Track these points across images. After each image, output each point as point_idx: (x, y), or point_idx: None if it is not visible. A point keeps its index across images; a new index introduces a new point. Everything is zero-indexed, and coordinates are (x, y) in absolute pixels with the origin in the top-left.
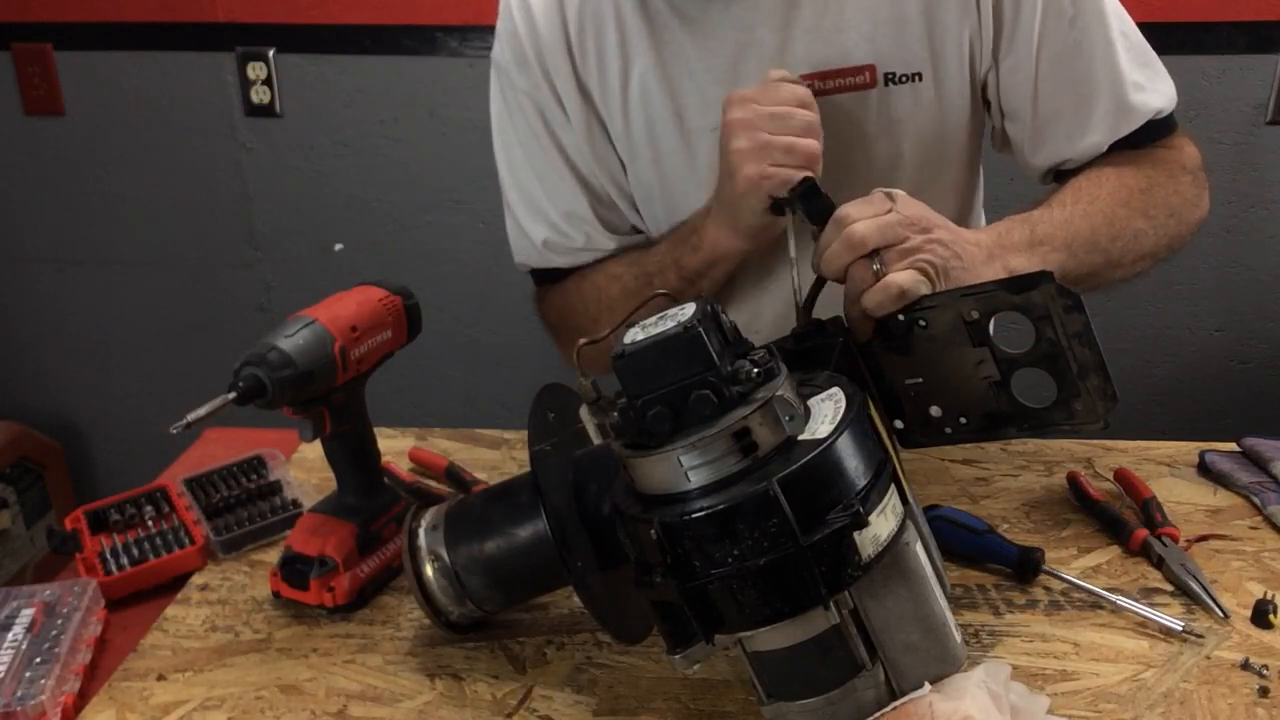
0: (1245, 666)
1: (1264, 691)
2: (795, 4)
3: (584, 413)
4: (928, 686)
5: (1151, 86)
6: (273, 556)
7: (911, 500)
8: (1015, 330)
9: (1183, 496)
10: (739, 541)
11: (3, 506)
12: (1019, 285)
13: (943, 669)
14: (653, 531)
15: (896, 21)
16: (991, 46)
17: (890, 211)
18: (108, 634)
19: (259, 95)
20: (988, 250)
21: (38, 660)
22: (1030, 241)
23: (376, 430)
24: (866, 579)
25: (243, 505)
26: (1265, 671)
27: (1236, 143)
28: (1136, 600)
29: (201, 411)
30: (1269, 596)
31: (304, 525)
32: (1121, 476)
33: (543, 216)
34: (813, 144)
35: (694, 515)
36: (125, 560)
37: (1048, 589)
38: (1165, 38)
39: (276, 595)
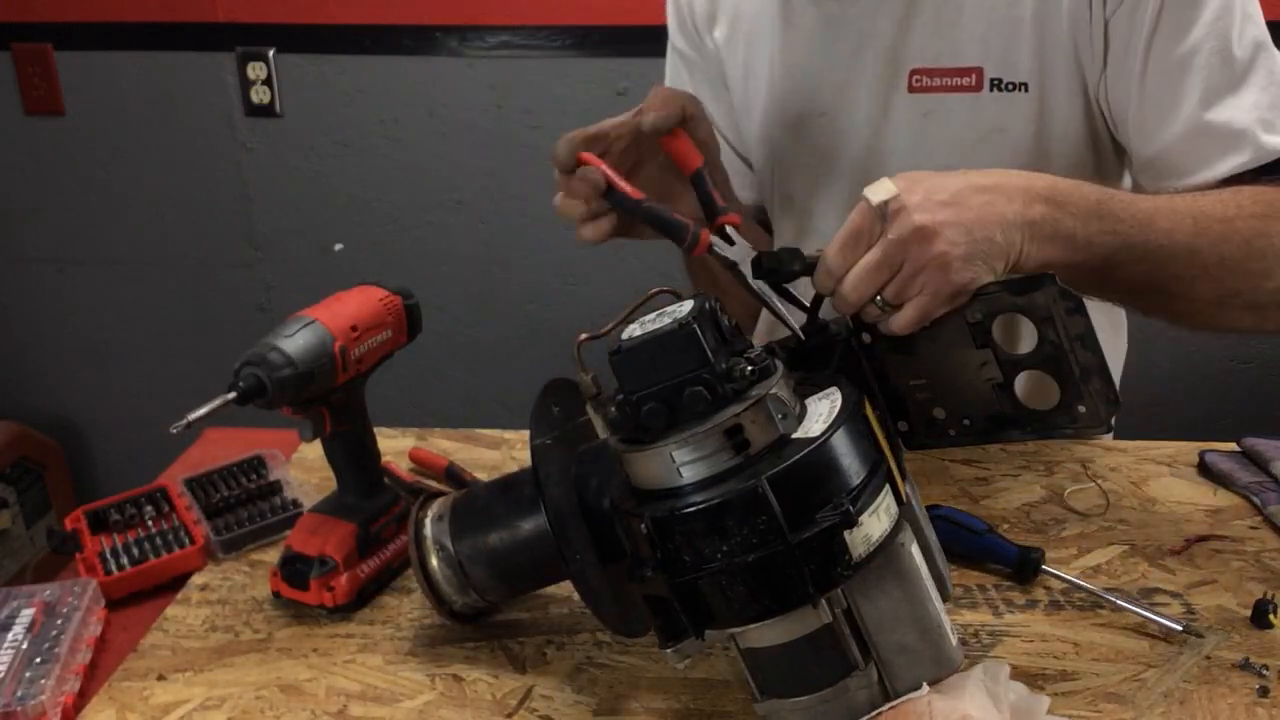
0: (1245, 666)
1: (1264, 691)
2: None
3: (590, 407)
4: (926, 687)
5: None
6: (273, 556)
7: (915, 503)
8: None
9: (1183, 496)
10: (728, 538)
11: (3, 506)
12: (1022, 287)
13: (937, 671)
14: (644, 526)
15: (1010, 23)
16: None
17: (879, 239)
18: (108, 634)
19: (259, 95)
20: (1011, 224)
21: (38, 660)
22: (1057, 224)
23: (376, 430)
24: (859, 578)
25: (243, 505)
26: (1265, 671)
27: None
28: (1136, 600)
29: (201, 411)
30: (1269, 596)
31: (304, 525)
32: None
33: None
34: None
35: (684, 510)
36: (125, 560)
37: (1048, 589)
38: None
39: (276, 595)
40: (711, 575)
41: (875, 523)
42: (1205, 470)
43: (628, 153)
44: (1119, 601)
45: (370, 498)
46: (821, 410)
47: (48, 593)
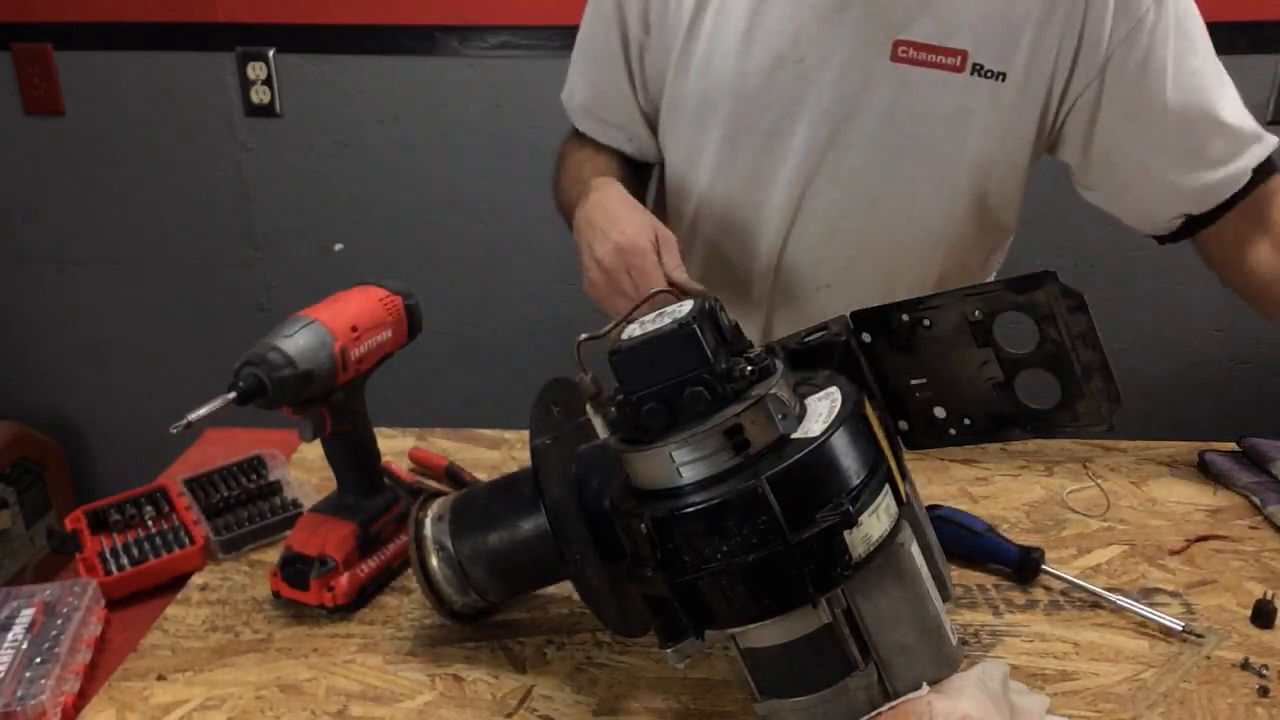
0: (1245, 666)
1: (1264, 691)
2: None
3: (590, 407)
4: (926, 687)
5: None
6: (273, 556)
7: (915, 503)
8: (1019, 331)
9: (1183, 496)
10: (728, 538)
11: (3, 506)
12: (1023, 285)
13: (937, 671)
14: (643, 526)
15: (1003, 20)
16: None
17: None
18: (108, 634)
19: (259, 95)
20: None
21: (38, 660)
22: None
23: (376, 430)
24: (859, 578)
25: (243, 505)
26: (1265, 671)
27: None
28: (1136, 600)
29: (201, 411)
30: (1269, 596)
31: (304, 525)
32: None
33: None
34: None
35: (684, 510)
36: (125, 560)
37: (1048, 589)
38: None
39: (276, 595)
40: (711, 575)
41: (875, 523)
42: (1205, 470)
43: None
44: (1119, 601)
45: (370, 498)
46: (821, 410)
47: (48, 593)
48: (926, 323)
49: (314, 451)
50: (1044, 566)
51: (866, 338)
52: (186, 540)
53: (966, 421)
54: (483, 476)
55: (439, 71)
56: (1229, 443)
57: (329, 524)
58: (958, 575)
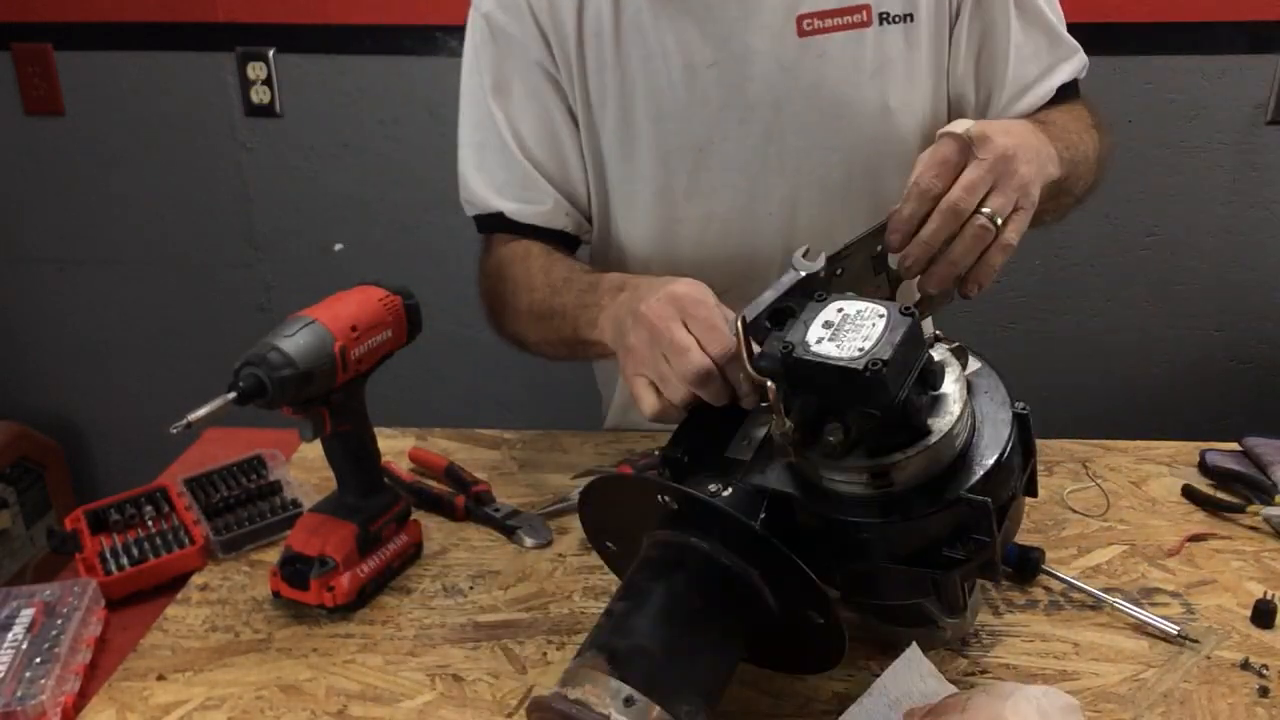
0: (1245, 666)
1: (1264, 691)
2: None
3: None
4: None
5: (1072, 43)
6: (273, 556)
7: None
8: None
9: (1183, 496)
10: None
11: (3, 506)
12: None
13: None
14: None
15: None
16: None
17: (972, 162)
18: (108, 634)
19: (259, 95)
20: (1046, 154)
21: (38, 660)
22: (1056, 150)
23: (376, 430)
24: None
25: (243, 505)
26: (1265, 671)
27: (1236, 143)
28: (1136, 600)
29: (201, 411)
30: (1269, 596)
31: (304, 525)
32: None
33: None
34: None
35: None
36: (125, 560)
37: (1048, 589)
38: (1165, 38)
39: (276, 595)
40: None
41: None
42: (1205, 470)
43: None
44: (1117, 603)
45: (370, 498)
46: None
47: (48, 593)
48: (839, 271)
49: (314, 451)
50: (1044, 566)
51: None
52: (186, 540)
53: None
54: (482, 476)
55: (439, 71)
56: (1229, 443)
57: (329, 524)
58: None
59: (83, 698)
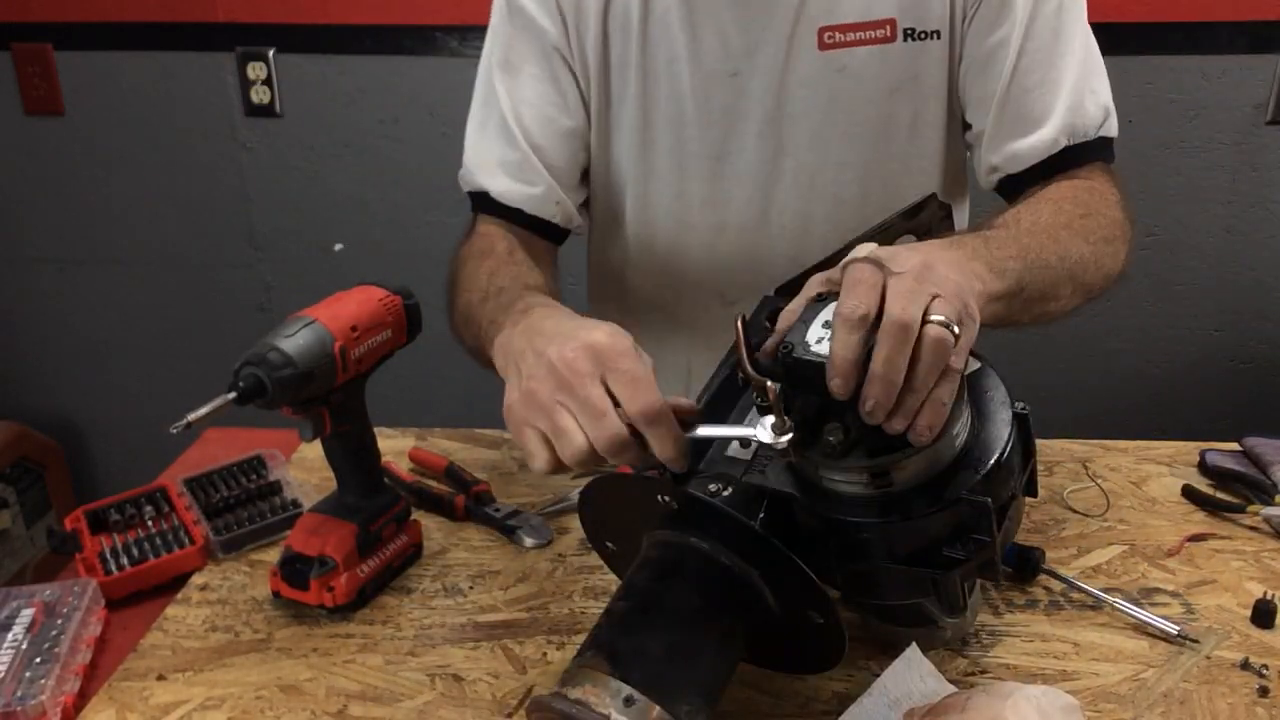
0: (1245, 666)
1: (1264, 691)
2: None
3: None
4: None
5: (1106, 101)
6: (273, 556)
7: None
8: None
9: (1183, 496)
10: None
11: (3, 506)
12: (913, 211)
13: None
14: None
15: None
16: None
17: (893, 278)
18: (108, 634)
19: (259, 95)
20: (968, 268)
21: (38, 660)
22: (989, 262)
23: (376, 430)
24: None
25: (243, 505)
26: (1265, 671)
27: (1236, 143)
28: (1136, 600)
29: (201, 411)
30: (1269, 596)
31: (304, 525)
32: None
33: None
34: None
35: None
36: (125, 560)
37: (1048, 589)
38: (1165, 38)
39: (276, 595)
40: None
41: None
42: (1205, 470)
43: None
44: (1117, 603)
45: (370, 498)
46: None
47: (48, 593)
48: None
49: (314, 451)
50: (1044, 566)
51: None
52: (186, 540)
53: None
54: (482, 476)
55: (439, 71)
56: (1229, 443)
57: (329, 524)
58: None
59: (83, 698)
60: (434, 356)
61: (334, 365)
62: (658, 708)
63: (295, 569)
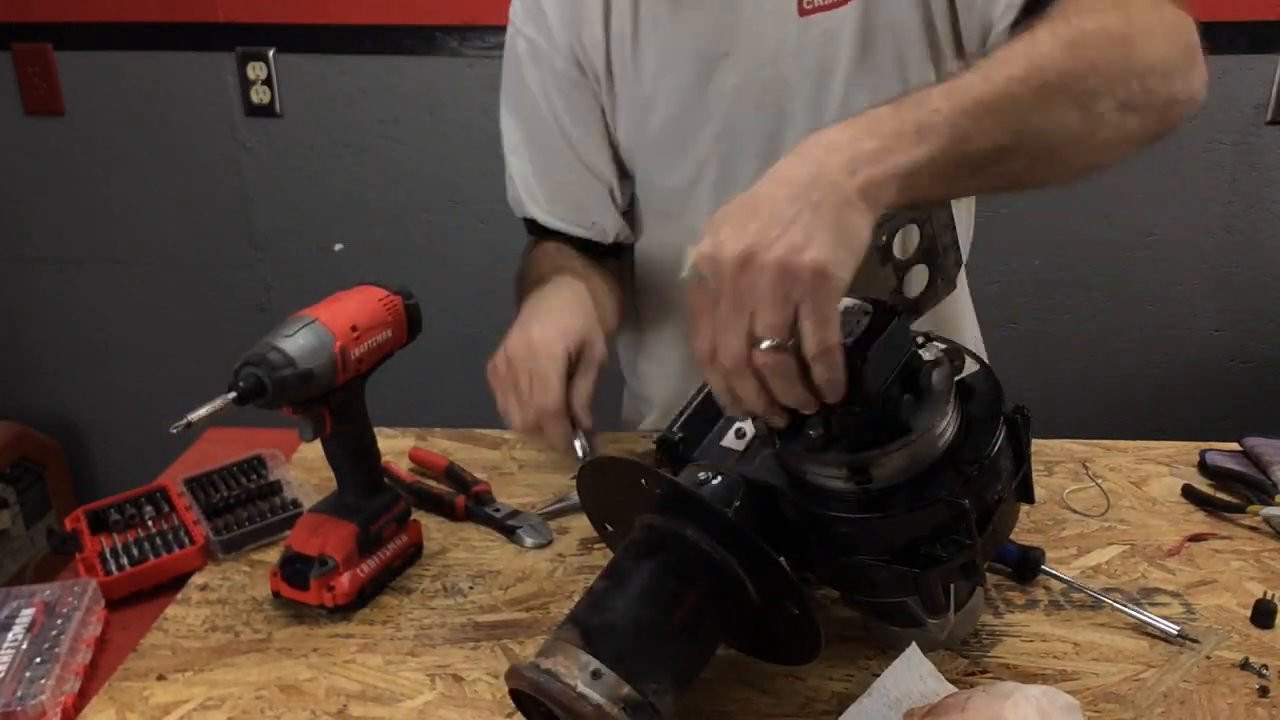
0: (1245, 666)
1: (1264, 691)
2: None
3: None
4: (977, 689)
5: None
6: (273, 556)
7: None
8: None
9: (1183, 496)
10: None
11: (3, 506)
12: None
13: None
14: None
15: None
16: None
17: (715, 304)
18: (108, 634)
19: (259, 95)
20: (834, 163)
21: (38, 660)
22: (900, 127)
23: (376, 430)
24: None
25: (243, 505)
26: (1265, 671)
27: (1236, 143)
28: (1136, 600)
29: (201, 411)
30: (1269, 596)
31: (304, 525)
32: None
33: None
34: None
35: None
36: (125, 560)
37: (1048, 589)
38: None
39: (276, 595)
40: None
41: None
42: (1205, 470)
43: None
44: (1117, 604)
45: (370, 498)
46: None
47: (48, 593)
48: None
49: (314, 451)
50: (1044, 566)
51: None
52: (186, 540)
53: None
54: (482, 476)
55: (439, 71)
56: (1229, 443)
57: (329, 524)
58: None
59: (83, 698)
60: (434, 356)
61: (334, 365)
62: (626, 685)
63: (295, 569)
